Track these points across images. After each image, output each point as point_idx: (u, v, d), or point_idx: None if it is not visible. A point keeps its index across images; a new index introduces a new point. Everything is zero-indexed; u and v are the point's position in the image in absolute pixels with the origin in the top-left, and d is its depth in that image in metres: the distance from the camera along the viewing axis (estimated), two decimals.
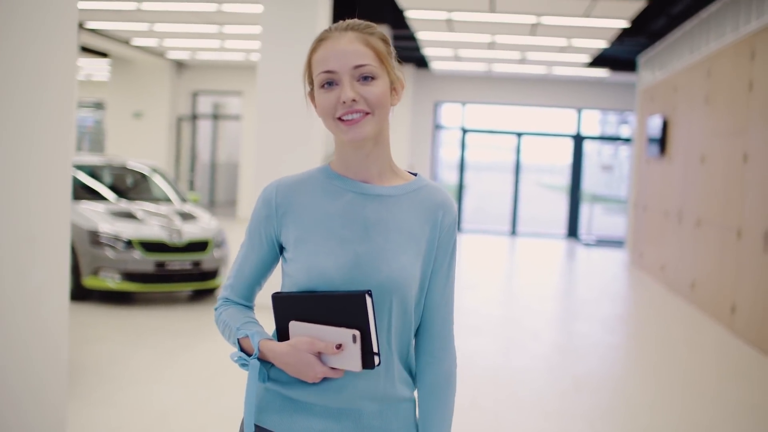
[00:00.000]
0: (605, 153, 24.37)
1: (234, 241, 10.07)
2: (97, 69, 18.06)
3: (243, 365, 1.63)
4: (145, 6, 10.93)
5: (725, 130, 8.33)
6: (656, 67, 12.14)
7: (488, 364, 6.19)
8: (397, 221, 1.64)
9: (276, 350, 1.57)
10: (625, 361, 6.90)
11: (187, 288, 7.90)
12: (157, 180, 9.16)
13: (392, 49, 1.66)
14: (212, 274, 7.96)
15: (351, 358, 1.52)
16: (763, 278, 6.99)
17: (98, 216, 7.71)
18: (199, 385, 5.26)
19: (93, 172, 8.73)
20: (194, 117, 17.95)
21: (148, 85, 16.85)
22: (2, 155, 3.18)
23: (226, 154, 20.10)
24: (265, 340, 1.60)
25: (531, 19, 9.97)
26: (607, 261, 13.62)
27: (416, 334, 1.71)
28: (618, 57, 13.67)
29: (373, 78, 1.58)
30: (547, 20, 9.96)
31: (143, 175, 9.20)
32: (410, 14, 10.06)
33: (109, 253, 7.46)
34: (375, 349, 1.51)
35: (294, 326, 1.57)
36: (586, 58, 13.32)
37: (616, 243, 16.08)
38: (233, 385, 5.24)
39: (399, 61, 1.67)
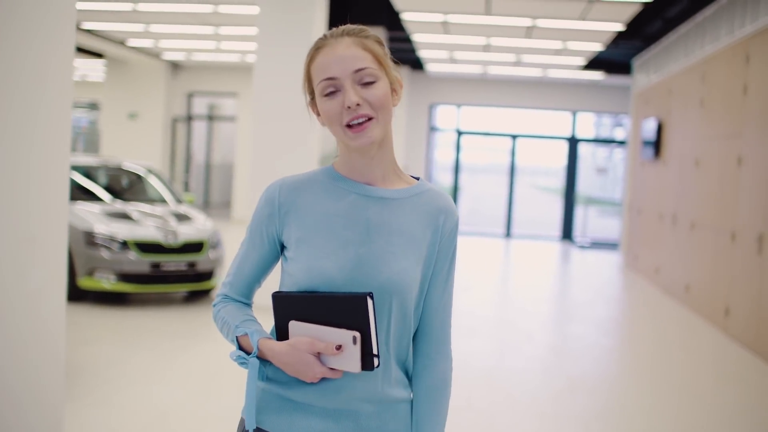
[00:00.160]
0: (600, 155, 24.40)
1: (229, 242, 10.07)
2: (92, 69, 18.03)
3: (242, 363, 1.63)
4: (141, 7, 10.93)
5: (720, 134, 8.36)
6: (651, 70, 12.18)
7: (483, 365, 6.20)
8: (399, 224, 1.65)
9: (275, 349, 1.58)
10: (619, 363, 6.92)
11: (183, 289, 7.90)
12: (153, 181, 9.15)
13: (387, 50, 1.67)
14: (207, 276, 7.96)
15: (350, 359, 1.52)
16: (757, 281, 7.01)
17: (93, 217, 7.70)
18: (197, 386, 5.26)
19: (88, 173, 8.72)
20: (189, 118, 17.94)
21: (144, 85, 16.83)
22: (1, 155, 3.18)
23: (221, 155, 20.09)
24: (265, 339, 1.60)
25: (526, 22, 9.99)
26: (602, 263, 13.65)
27: (414, 337, 1.72)
28: (613, 60, 13.71)
29: (374, 81, 1.59)
30: (542, 23, 9.99)
31: (138, 176, 9.19)
32: (406, 16, 10.07)
33: (104, 253, 7.46)
34: (375, 351, 1.52)
35: (294, 326, 1.58)
36: (582, 61, 13.35)
37: (610, 245, 16.11)
38: (231, 387, 5.24)
39: (395, 62, 1.68)
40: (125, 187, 9.06)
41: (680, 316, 8.86)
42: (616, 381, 6.19)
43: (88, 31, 13.22)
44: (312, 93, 1.66)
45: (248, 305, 1.75)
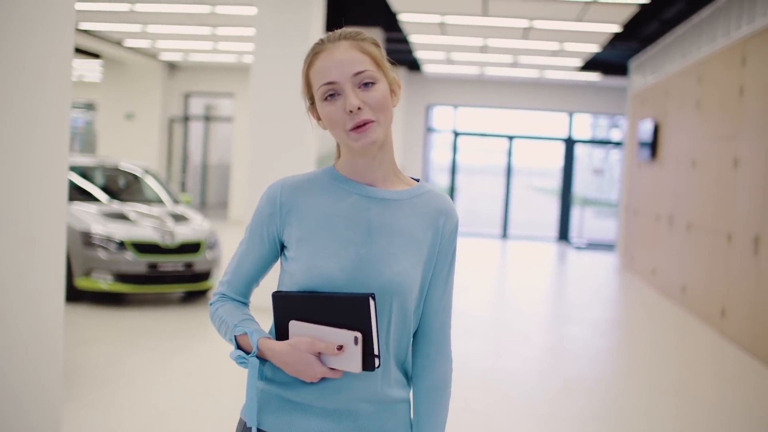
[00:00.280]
0: (596, 157, 24.44)
1: (225, 242, 10.07)
2: (88, 70, 18.01)
3: (241, 363, 1.64)
4: (138, 7, 10.93)
5: (716, 135, 8.38)
6: (648, 72, 12.20)
7: (479, 366, 6.21)
8: (400, 225, 1.66)
9: (275, 349, 1.59)
10: (616, 364, 6.94)
11: (180, 289, 7.90)
12: (150, 181, 9.15)
13: (384, 51, 1.68)
14: (204, 276, 7.96)
15: (351, 360, 1.53)
16: (753, 282, 7.03)
17: (90, 217, 7.70)
18: (195, 386, 5.27)
19: (85, 173, 8.71)
20: (186, 118, 17.93)
21: (140, 86, 16.82)
22: (1, 156, 3.18)
23: (217, 155, 20.08)
24: (264, 339, 1.61)
25: (523, 23, 10.01)
26: (598, 264, 13.67)
27: (414, 338, 1.73)
28: (610, 61, 13.73)
29: (373, 83, 1.60)
30: (539, 24, 10.01)
31: (135, 177, 9.19)
32: (403, 17, 10.08)
33: (101, 254, 7.45)
34: (376, 352, 1.52)
35: (294, 326, 1.58)
36: (578, 62, 13.37)
37: (607, 246, 16.14)
38: (229, 387, 5.25)
39: (393, 63, 1.69)
40: (122, 187, 9.06)
41: (677, 317, 8.88)
42: (612, 382, 6.21)
43: (85, 31, 13.21)
44: (311, 98, 1.66)
45: (246, 304, 1.76)
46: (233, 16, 10.99)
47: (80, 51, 15.04)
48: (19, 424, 3.33)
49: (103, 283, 7.47)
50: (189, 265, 7.78)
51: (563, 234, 17.10)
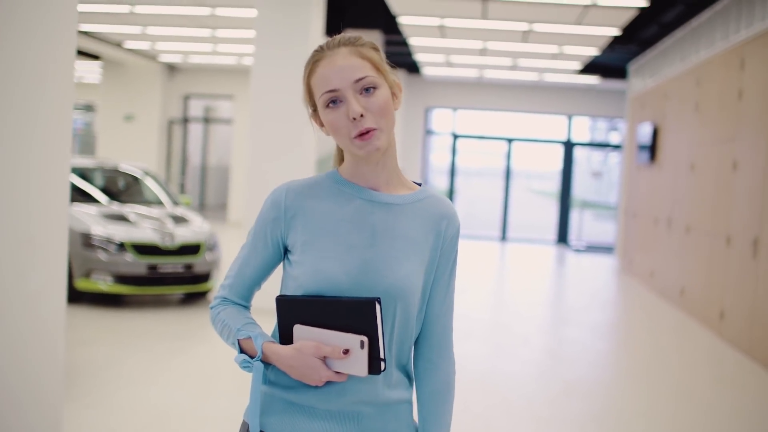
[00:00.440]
0: (595, 159, 24.44)
1: (225, 244, 10.08)
2: (88, 71, 18.02)
3: (246, 367, 1.64)
4: (138, 9, 10.94)
5: (715, 138, 8.40)
6: (647, 75, 12.23)
7: (478, 368, 6.22)
8: (403, 229, 1.67)
9: (280, 353, 1.59)
10: (615, 367, 6.95)
11: (179, 291, 7.91)
12: (149, 183, 9.16)
13: (383, 54, 1.69)
14: (204, 277, 7.96)
15: (357, 363, 1.54)
16: (752, 285, 7.05)
17: (90, 218, 7.71)
18: (194, 387, 5.27)
19: (85, 175, 8.72)
20: (185, 120, 17.94)
21: (140, 88, 16.82)
22: (1, 156, 3.18)
23: (216, 157, 20.09)
24: (269, 343, 1.62)
25: (523, 26, 10.03)
26: (597, 267, 13.68)
27: (416, 342, 1.75)
28: (609, 64, 13.75)
29: (374, 88, 1.61)
30: (538, 27, 10.03)
31: (135, 178, 9.19)
32: (403, 20, 10.10)
33: (101, 255, 7.46)
34: (381, 355, 1.53)
35: (299, 330, 1.59)
36: (577, 65, 13.40)
37: (605, 249, 16.15)
38: (227, 388, 5.25)
39: (392, 66, 1.69)
40: (122, 189, 9.07)
41: (675, 319, 8.89)
42: (611, 384, 6.22)
43: (85, 33, 13.22)
44: (314, 105, 1.68)
45: (247, 308, 1.76)
46: (233, 18, 11.01)
47: (80, 52, 15.04)
48: (19, 426, 3.33)
49: (103, 284, 7.48)
50: (189, 267, 7.79)
51: (562, 237, 17.12)
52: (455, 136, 17.51)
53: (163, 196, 8.99)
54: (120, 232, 7.59)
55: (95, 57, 15.99)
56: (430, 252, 1.69)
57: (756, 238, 6.98)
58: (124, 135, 16.81)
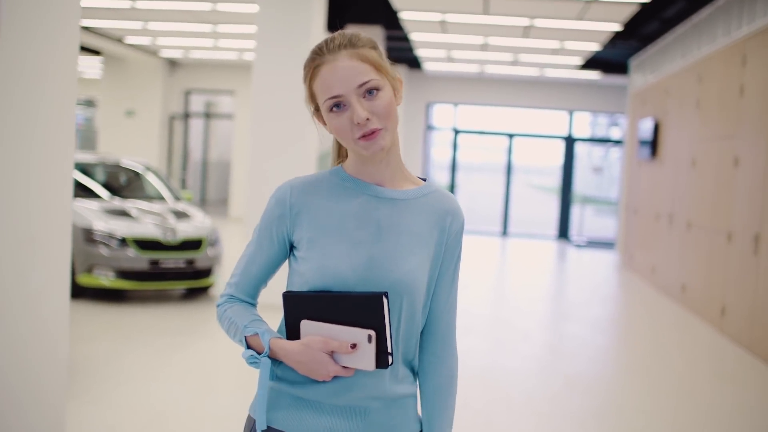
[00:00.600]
0: (596, 155, 24.44)
1: (226, 239, 10.09)
2: (89, 66, 18.02)
3: (253, 363, 1.65)
4: (139, 4, 10.93)
5: (716, 134, 8.40)
6: (648, 71, 12.22)
7: (479, 364, 6.23)
8: (408, 225, 1.68)
9: (288, 348, 1.61)
10: (615, 363, 6.96)
11: (181, 286, 7.92)
12: (151, 178, 9.16)
13: (381, 50, 1.69)
14: (206, 273, 7.98)
15: (365, 358, 1.55)
16: (753, 281, 7.06)
17: (92, 214, 7.72)
18: (196, 383, 5.29)
19: (86, 170, 8.73)
20: (186, 115, 17.94)
21: (141, 83, 16.82)
22: (3, 154, 3.17)
23: (217, 152, 20.09)
24: (276, 339, 1.63)
25: (524, 22, 10.02)
26: (598, 262, 13.69)
27: (421, 336, 1.76)
28: (610, 60, 13.74)
29: (377, 90, 1.61)
30: (540, 23, 10.02)
31: (137, 173, 9.20)
32: (404, 15, 10.09)
33: (103, 250, 7.47)
34: (389, 349, 1.55)
35: (306, 325, 1.60)
36: (579, 61, 13.38)
37: (606, 245, 16.16)
38: (229, 383, 5.27)
39: (392, 61, 1.70)
40: (123, 184, 9.07)
41: (676, 315, 8.90)
42: (612, 380, 6.23)
43: (86, 28, 13.21)
44: (316, 105, 1.69)
45: (254, 305, 1.77)
46: (234, 14, 11.00)
47: (81, 48, 15.00)
48: (21, 424, 3.33)
49: (105, 279, 7.49)
50: (190, 262, 7.80)
51: (563, 232, 17.12)
52: (456, 132, 17.51)
53: (164, 192, 9.00)
54: (122, 228, 7.60)
55: (96, 52, 15.98)
56: (435, 247, 1.71)
57: (757, 235, 6.98)
58: (125, 130, 16.81)
